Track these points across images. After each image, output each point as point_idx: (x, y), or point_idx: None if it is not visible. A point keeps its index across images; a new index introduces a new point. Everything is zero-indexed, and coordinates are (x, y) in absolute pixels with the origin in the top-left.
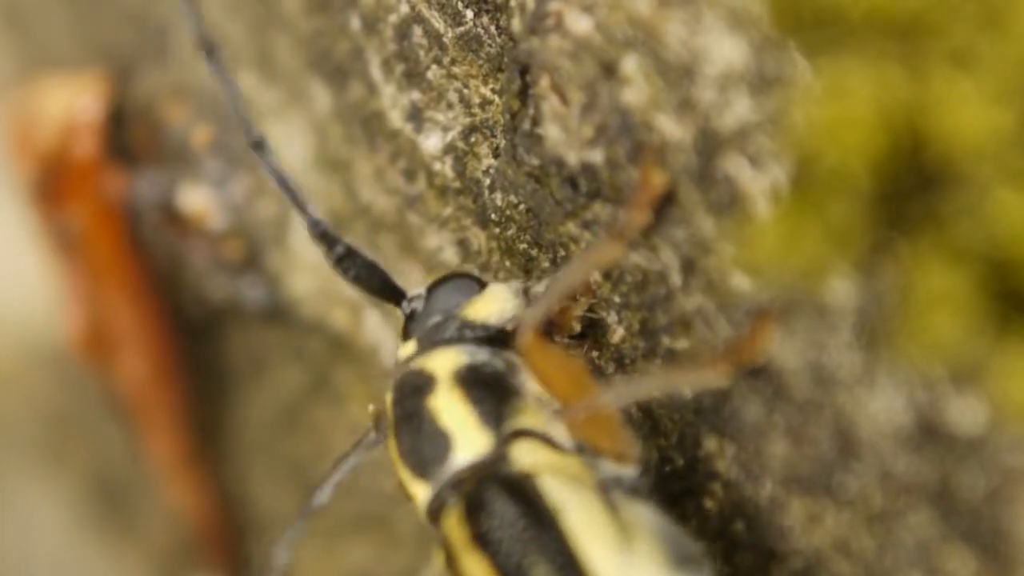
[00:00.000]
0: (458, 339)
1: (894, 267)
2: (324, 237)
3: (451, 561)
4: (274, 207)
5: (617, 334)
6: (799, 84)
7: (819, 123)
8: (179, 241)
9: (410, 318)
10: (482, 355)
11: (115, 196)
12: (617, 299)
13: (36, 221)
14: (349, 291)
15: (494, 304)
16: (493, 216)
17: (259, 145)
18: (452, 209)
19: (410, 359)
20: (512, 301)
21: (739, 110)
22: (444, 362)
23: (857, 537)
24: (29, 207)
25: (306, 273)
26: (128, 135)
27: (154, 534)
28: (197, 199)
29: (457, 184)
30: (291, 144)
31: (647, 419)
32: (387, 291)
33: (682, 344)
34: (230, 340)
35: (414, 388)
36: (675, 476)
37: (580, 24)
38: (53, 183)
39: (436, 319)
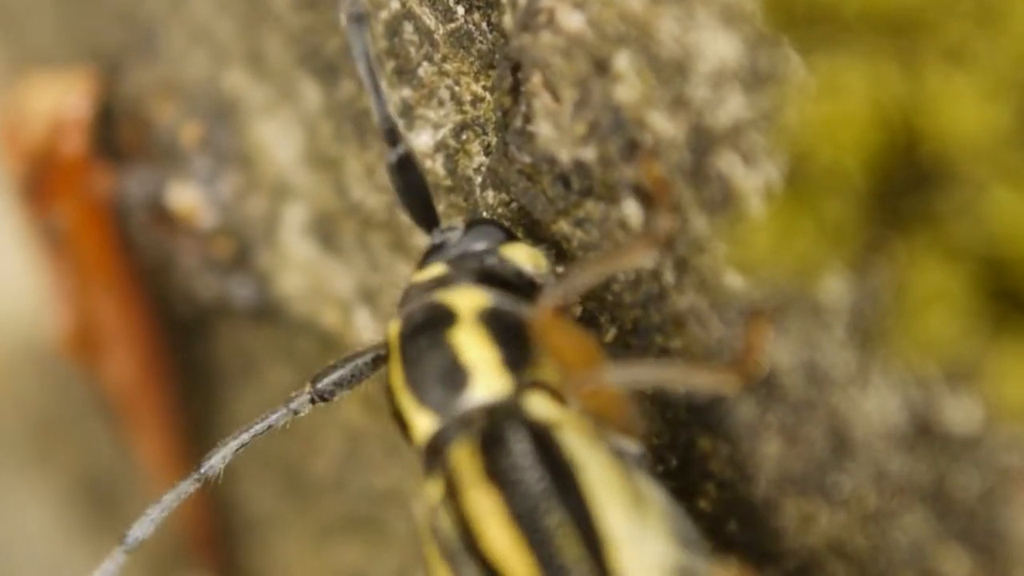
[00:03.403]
0: (495, 272)
1: (889, 265)
2: (390, 135)
3: (453, 493)
4: (264, 205)
5: (610, 333)
6: (793, 81)
7: (813, 120)
8: (168, 239)
9: (439, 247)
10: (507, 303)
11: (103, 194)
12: (610, 298)
13: (24, 219)
14: (339, 290)
15: (530, 255)
16: (485, 214)
17: (360, 17)
18: (443, 207)
19: (433, 283)
20: (545, 259)
21: (732, 107)
22: (468, 300)
23: (851, 537)
24: (16, 205)
25: (296, 272)
26: (116, 133)
27: None
28: (186, 197)
29: (448, 182)
30: (281, 141)
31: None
32: (423, 213)
33: (676, 343)
34: (219, 339)
35: (433, 319)
36: (669, 476)
37: (572, 20)
38: (41, 181)
39: (476, 248)
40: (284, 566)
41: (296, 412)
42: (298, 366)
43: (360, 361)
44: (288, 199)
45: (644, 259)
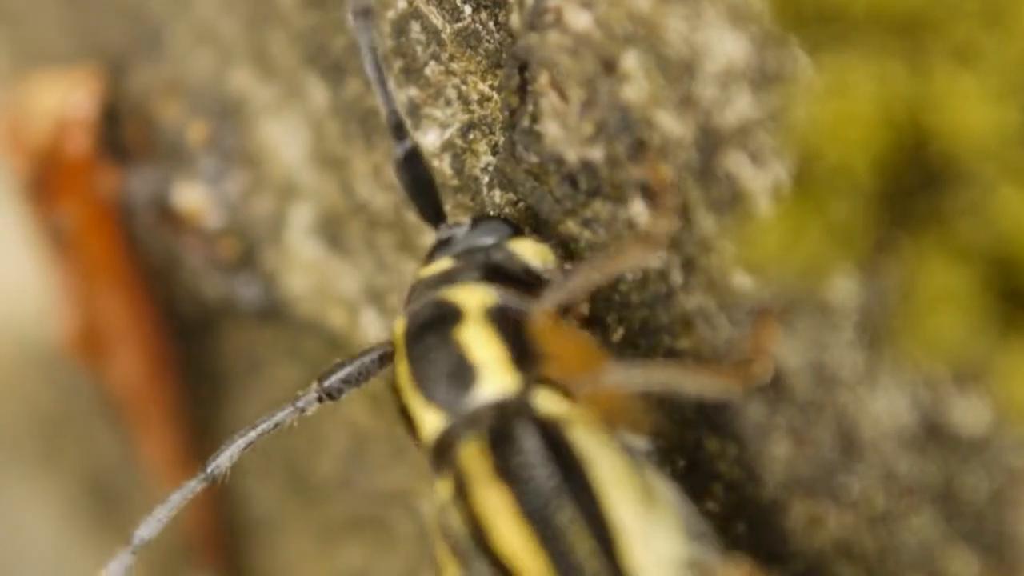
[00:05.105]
0: (502, 266)
1: (897, 265)
2: (397, 130)
3: (463, 491)
4: (270, 205)
5: (618, 333)
6: (801, 80)
7: (821, 120)
8: (173, 239)
9: (445, 242)
10: (514, 299)
11: (109, 194)
12: (617, 298)
13: (28, 219)
14: (345, 290)
15: (538, 249)
16: (492, 214)
17: (366, 12)
18: (450, 207)
19: (439, 279)
20: (552, 254)
21: (740, 107)
22: (475, 297)
23: (859, 539)
24: (21, 205)
25: (302, 272)
26: (122, 132)
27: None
28: (192, 197)
29: (455, 182)
30: (288, 141)
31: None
32: (430, 208)
33: (683, 344)
34: (225, 339)
35: (439, 317)
36: (676, 477)
37: (580, 20)
38: (46, 181)
39: (484, 242)
40: (288, 566)
41: (303, 410)
42: (304, 366)
43: (367, 359)
44: (294, 199)
45: (644, 261)
